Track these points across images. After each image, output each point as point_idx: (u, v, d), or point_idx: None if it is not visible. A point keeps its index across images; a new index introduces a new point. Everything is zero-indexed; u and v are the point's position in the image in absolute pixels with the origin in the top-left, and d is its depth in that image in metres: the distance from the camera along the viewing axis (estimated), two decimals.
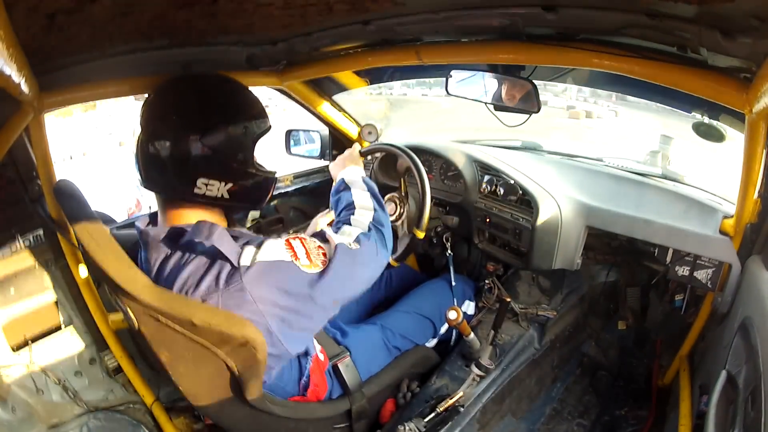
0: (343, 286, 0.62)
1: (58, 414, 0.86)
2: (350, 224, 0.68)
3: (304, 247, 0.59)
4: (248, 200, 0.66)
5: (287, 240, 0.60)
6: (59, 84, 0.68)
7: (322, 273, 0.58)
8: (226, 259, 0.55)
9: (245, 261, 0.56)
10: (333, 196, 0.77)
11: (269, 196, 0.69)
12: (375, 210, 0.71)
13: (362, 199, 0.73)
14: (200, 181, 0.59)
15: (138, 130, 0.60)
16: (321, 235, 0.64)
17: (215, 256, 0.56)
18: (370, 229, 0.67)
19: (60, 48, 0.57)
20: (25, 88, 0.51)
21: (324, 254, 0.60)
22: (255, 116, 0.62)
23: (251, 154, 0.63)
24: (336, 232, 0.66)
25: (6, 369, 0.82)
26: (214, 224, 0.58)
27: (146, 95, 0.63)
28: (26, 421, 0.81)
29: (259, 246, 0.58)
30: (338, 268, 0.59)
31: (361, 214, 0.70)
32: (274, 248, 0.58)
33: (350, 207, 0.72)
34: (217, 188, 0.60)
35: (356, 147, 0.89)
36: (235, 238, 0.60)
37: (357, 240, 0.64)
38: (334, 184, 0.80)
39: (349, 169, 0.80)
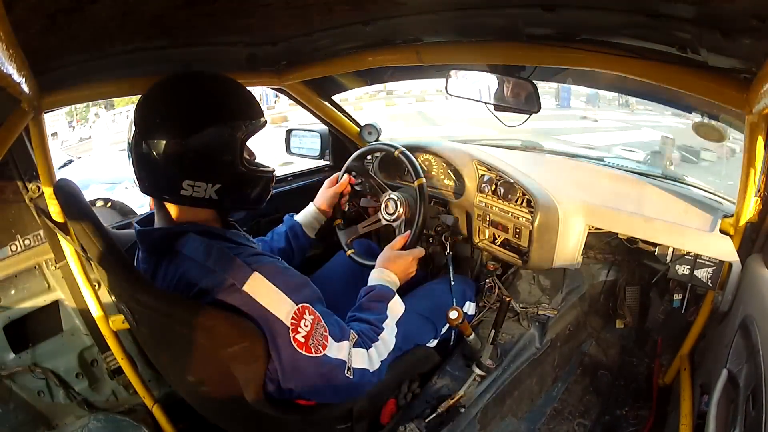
0: (310, 385, 0.61)
1: (60, 416, 0.86)
2: (368, 351, 0.66)
3: (312, 327, 0.59)
4: (241, 200, 0.65)
5: (303, 308, 0.58)
6: (59, 84, 0.68)
7: (304, 358, 0.58)
8: (225, 279, 0.56)
9: (252, 291, 0.56)
10: (374, 294, 0.75)
11: (267, 195, 0.67)
12: (388, 355, 0.70)
13: (390, 331, 0.72)
14: (186, 183, 0.58)
15: (131, 129, 0.60)
16: (339, 331, 0.63)
17: (214, 273, 0.56)
18: (374, 373, 0.66)
19: (60, 48, 0.57)
20: (25, 87, 0.51)
21: (324, 346, 0.60)
22: (243, 115, 0.61)
23: (239, 153, 0.61)
24: (354, 345, 0.65)
25: (7, 371, 0.82)
26: (210, 240, 0.58)
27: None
28: (27, 422, 0.81)
29: (272, 281, 0.57)
30: (320, 372, 0.60)
31: (382, 346, 0.69)
32: (283, 307, 0.57)
33: (379, 327, 0.70)
34: (204, 189, 0.59)
35: (415, 252, 0.85)
36: (236, 245, 0.60)
37: (358, 372, 0.63)
38: (379, 276, 0.79)
39: (396, 282, 0.80)
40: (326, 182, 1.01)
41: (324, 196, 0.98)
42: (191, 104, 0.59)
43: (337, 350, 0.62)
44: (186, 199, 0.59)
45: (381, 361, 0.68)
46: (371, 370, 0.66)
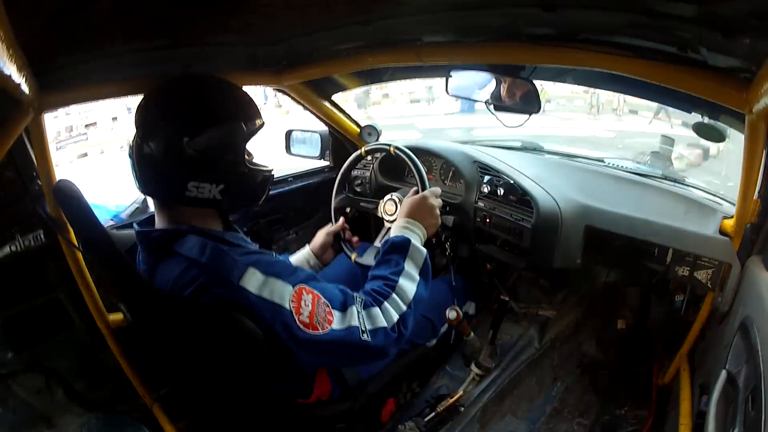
0: (327, 359, 0.61)
1: (59, 414, 0.86)
2: (381, 307, 0.63)
3: (313, 305, 0.58)
4: (242, 200, 0.65)
5: (300, 288, 0.58)
6: (59, 84, 0.68)
7: (313, 337, 0.57)
8: (221, 275, 0.55)
9: (248, 285, 0.56)
10: (390, 247, 0.70)
11: (266, 193, 0.68)
12: (409, 308, 0.65)
13: (408, 284, 0.67)
14: (191, 184, 0.59)
15: (132, 134, 0.60)
16: (342, 300, 0.61)
17: (209, 270, 0.56)
18: (393, 329, 0.63)
19: (60, 48, 0.57)
20: (25, 88, 0.51)
21: (330, 321, 0.59)
22: (244, 116, 0.62)
23: (242, 153, 0.62)
24: (362, 307, 0.62)
25: (7, 370, 0.82)
26: (206, 239, 0.58)
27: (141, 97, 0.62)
28: (27, 421, 0.81)
29: (266, 273, 0.57)
30: (332, 344, 0.59)
31: (397, 303, 0.65)
32: (281, 292, 0.57)
33: (392, 281, 0.66)
34: (209, 190, 0.60)
35: (433, 191, 0.80)
36: (233, 245, 0.60)
37: (374, 332, 0.61)
38: (398, 227, 0.73)
39: (420, 233, 0.73)
40: (325, 231, 0.94)
41: (318, 239, 0.93)
42: (195, 105, 0.60)
43: (343, 319, 0.60)
44: (190, 200, 0.60)
45: (399, 315, 0.64)
46: (389, 327, 0.62)
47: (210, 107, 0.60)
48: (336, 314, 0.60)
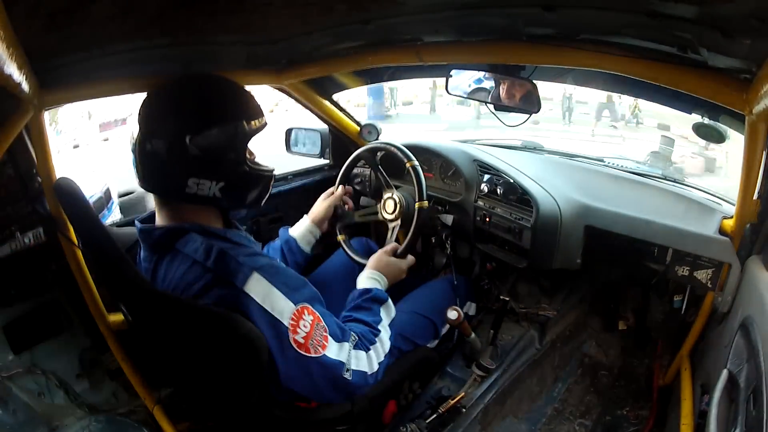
0: (308, 382, 0.61)
1: (60, 417, 0.85)
2: (367, 351, 0.67)
3: (311, 328, 0.59)
4: (242, 199, 0.65)
5: (302, 308, 0.59)
6: (59, 82, 0.67)
7: (302, 357, 0.58)
8: (225, 279, 0.56)
9: (252, 292, 0.56)
10: (370, 296, 0.74)
11: (267, 194, 0.68)
12: (386, 356, 0.70)
13: (385, 333, 0.72)
14: (191, 181, 0.59)
15: (135, 128, 0.60)
16: (339, 332, 0.63)
17: (214, 273, 0.57)
18: (372, 375, 0.66)
19: (60, 47, 0.57)
20: (25, 86, 0.51)
21: (324, 347, 0.60)
22: (247, 115, 0.62)
23: (243, 153, 0.62)
24: (354, 347, 0.64)
25: (7, 372, 0.81)
26: (210, 240, 0.58)
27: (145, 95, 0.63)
28: (27, 424, 0.80)
29: (271, 281, 0.57)
30: (318, 370, 0.60)
31: (380, 348, 0.69)
32: (282, 307, 0.58)
33: (376, 329, 0.70)
34: (209, 187, 0.60)
35: (408, 261, 0.85)
36: (236, 245, 0.60)
37: (356, 372, 0.63)
38: (373, 278, 0.78)
39: (385, 285, 0.79)
40: (322, 196, 0.98)
41: (318, 209, 0.95)
42: (199, 103, 0.60)
43: (337, 351, 0.62)
44: (190, 197, 0.60)
45: (379, 364, 0.68)
46: (369, 373, 0.66)
47: (214, 106, 0.61)
48: (331, 342, 0.61)
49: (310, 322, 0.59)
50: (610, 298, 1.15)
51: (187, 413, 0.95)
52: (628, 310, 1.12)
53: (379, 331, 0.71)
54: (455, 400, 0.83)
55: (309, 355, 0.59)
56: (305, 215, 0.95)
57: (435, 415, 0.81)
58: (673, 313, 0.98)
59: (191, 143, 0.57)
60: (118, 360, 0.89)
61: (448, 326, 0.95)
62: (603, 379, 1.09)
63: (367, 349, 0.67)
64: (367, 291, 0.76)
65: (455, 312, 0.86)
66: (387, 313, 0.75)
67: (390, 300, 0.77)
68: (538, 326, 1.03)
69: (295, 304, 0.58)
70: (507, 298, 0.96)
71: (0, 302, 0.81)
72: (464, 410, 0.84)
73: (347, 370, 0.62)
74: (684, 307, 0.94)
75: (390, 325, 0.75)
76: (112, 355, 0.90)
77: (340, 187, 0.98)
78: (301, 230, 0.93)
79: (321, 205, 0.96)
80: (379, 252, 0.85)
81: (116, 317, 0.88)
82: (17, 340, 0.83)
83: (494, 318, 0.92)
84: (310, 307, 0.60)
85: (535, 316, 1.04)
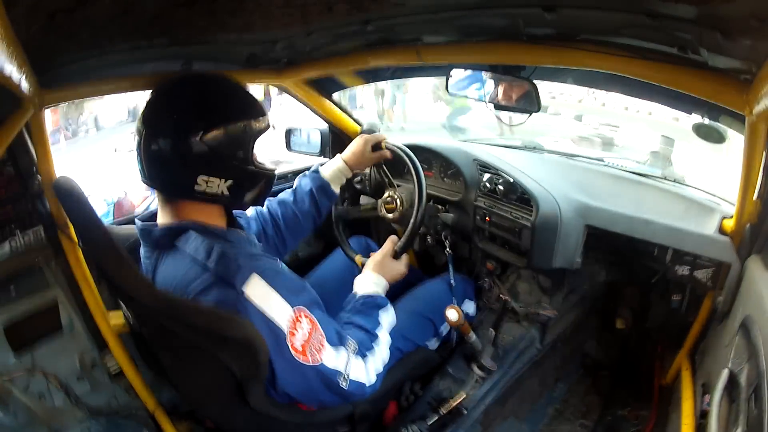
0: (301, 392, 0.61)
1: (60, 419, 0.85)
2: (365, 359, 0.66)
3: (309, 334, 0.59)
4: (248, 197, 0.66)
5: (299, 312, 0.58)
6: (59, 81, 0.67)
7: (300, 364, 0.58)
8: (225, 279, 0.56)
9: (251, 294, 0.56)
10: (368, 302, 0.73)
11: (269, 193, 0.69)
12: (383, 367, 0.69)
13: (385, 340, 0.71)
14: (201, 178, 0.59)
15: (139, 126, 0.60)
16: (337, 338, 0.63)
17: (214, 274, 0.56)
18: (370, 385, 0.65)
19: (60, 46, 0.57)
20: (25, 85, 0.51)
21: (320, 354, 0.59)
22: (255, 115, 0.63)
23: (251, 151, 0.63)
24: (353, 354, 0.64)
25: (7, 373, 0.81)
26: (211, 239, 0.58)
27: (149, 93, 0.62)
28: (28, 426, 0.80)
29: (270, 284, 0.57)
30: (313, 377, 0.60)
31: (378, 355, 0.68)
32: (280, 310, 0.57)
33: (375, 335, 0.70)
34: (217, 185, 0.60)
35: (406, 261, 0.84)
36: (236, 245, 0.60)
37: (353, 382, 0.63)
38: (372, 281, 0.77)
39: (385, 289, 0.78)
40: (364, 140, 0.88)
41: (358, 156, 0.88)
42: (209, 101, 0.60)
43: (335, 358, 0.62)
44: (199, 195, 0.60)
45: (377, 374, 0.67)
46: (367, 385, 0.65)
47: (223, 104, 0.61)
48: (329, 349, 0.61)
49: (308, 328, 0.59)
50: (610, 298, 1.15)
51: (188, 416, 0.94)
52: (628, 310, 1.11)
53: (377, 337, 0.70)
54: (456, 401, 0.83)
55: (306, 362, 0.58)
56: (338, 155, 0.90)
57: (436, 417, 0.81)
58: (673, 313, 0.98)
59: (201, 141, 0.58)
60: (118, 362, 0.89)
61: (447, 326, 0.95)
62: (604, 379, 1.09)
63: (364, 357, 0.66)
64: (366, 296, 0.75)
65: (456, 312, 0.85)
66: (387, 319, 0.74)
67: (390, 305, 0.76)
68: (539, 326, 1.03)
69: (293, 308, 0.58)
70: (507, 298, 0.96)
71: (0, 302, 0.80)
72: (465, 411, 0.84)
73: (344, 378, 0.62)
74: (684, 306, 0.94)
75: (390, 332, 0.74)
76: (113, 357, 0.89)
77: (387, 150, 0.91)
78: (334, 171, 0.89)
79: (362, 154, 0.89)
80: (378, 254, 0.84)
81: (117, 317, 0.88)
82: (18, 341, 0.83)
83: (495, 318, 0.92)
84: (308, 311, 0.60)
85: (535, 316, 1.04)
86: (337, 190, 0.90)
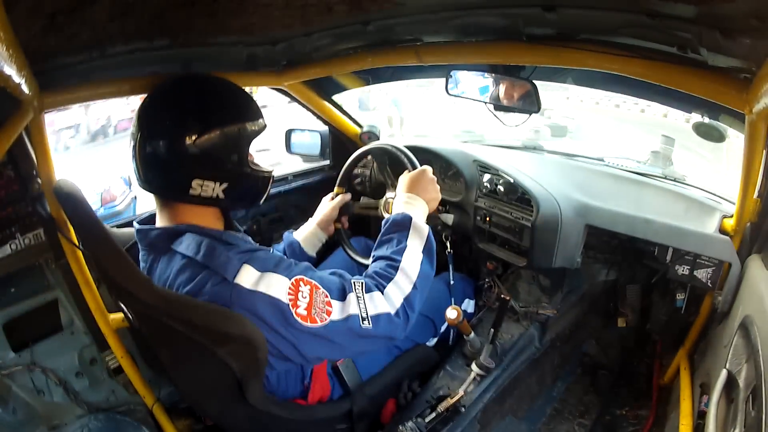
0: (331, 351, 0.60)
1: (59, 415, 0.86)
2: (383, 292, 0.61)
3: (310, 297, 0.57)
4: (244, 199, 0.66)
5: (297, 280, 0.57)
6: (59, 83, 0.68)
7: (312, 330, 0.57)
8: (216, 273, 0.56)
9: (243, 281, 0.55)
10: (390, 225, 0.68)
11: (265, 195, 0.69)
12: (415, 288, 0.63)
13: (412, 263, 0.64)
14: (195, 182, 0.59)
15: (134, 130, 0.60)
16: (341, 289, 0.60)
17: (205, 268, 0.57)
18: (398, 314, 0.61)
19: (60, 48, 0.57)
20: (25, 87, 0.51)
21: (329, 312, 0.57)
22: (250, 117, 0.62)
23: (246, 154, 0.63)
24: (364, 291, 0.60)
25: (7, 370, 0.82)
26: (203, 237, 0.58)
27: (144, 96, 0.63)
28: (27, 422, 0.80)
29: (261, 269, 0.56)
30: (333, 336, 0.58)
31: (400, 284, 0.63)
32: (278, 285, 0.56)
33: (395, 261, 0.64)
34: (212, 189, 0.60)
35: (430, 173, 0.75)
36: (229, 245, 0.60)
37: (376, 319, 0.59)
38: (398, 206, 0.71)
39: (421, 209, 0.71)
40: (325, 199, 0.94)
41: (324, 212, 0.91)
42: (203, 104, 0.60)
43: (343, 308, 0.59)
44: (194, 198, 0.60)
45: (404, 298, 0.62)
46: (392, 312, 0.60)
47: (218, 107, 0.61)
48: (335, 304, 0.59)
49: (308, 291, 0.57)
50: (610, 297, 1.16)
51: (187, 412, 0.95)
52: (628, 309, 1.12)
53: (399, 260, 0.64)
54: (455, 399, 0.83)
55: (317, 325, 0.56)
56: (311, 219, 0.93)
57: (434, 415, 0.81)
58: (673, 313, 0.98)
59: (195, 144, 0.57)
60: (117, 358, 0.90)
61: (446, 324, 0.95)
62: (602, 378, 1.09)
63: (382, 287, 0.61)
64: (386, 221, 0.69)
65: (455, 311, 0.86)
66: (415, 237, 0.66)
67: (417, 221, 0.68)
68: (538, 325, 1.03)
69: (289, 279, 0.57)
70: (507, 297, 0.96)
71: (0, 301, 0.81)
72: (464, 409, 0.84)
73: (363, 320, 0.58)
74: (684, 306, 0.94)
75: (425, 249, 0.66)
76: (112, 354, 0.90)
77: (345, 194, 0.93)
78: (305, 234, 0.91)
79: (327, 207, 0.92)
80: (401, 177, 0.77)
81: (116, 316, 0.88)
82: (17, 338, 0.83)
83: (495, 317, 0.92)
84: (306, 277, 0.58)
85: (535, 315, 1.04)
86: (311, 251, 0.89)
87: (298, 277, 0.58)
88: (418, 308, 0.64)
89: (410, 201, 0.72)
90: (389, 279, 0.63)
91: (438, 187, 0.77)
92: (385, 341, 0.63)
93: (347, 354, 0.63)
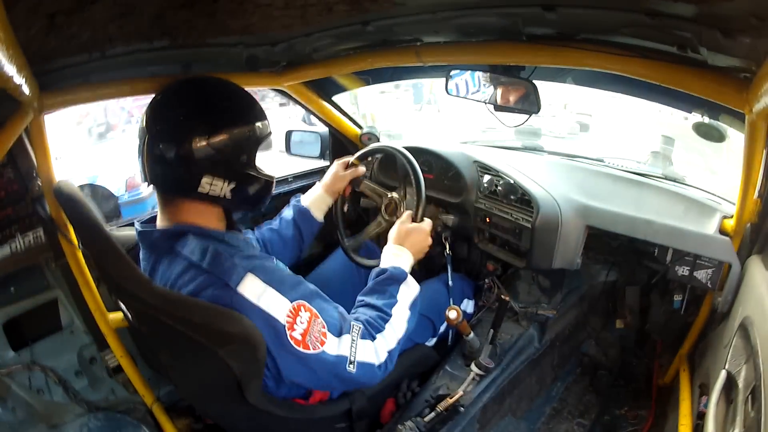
0: (307, 379, 0.62)
1: (59, 414, 0.86)
2: (374, 342, 0.64)
3: (308, 324, 0.59)
4: (248, 201, 0.66)
5: (298, 305, 0.59)
6: (59, 84, 0.68)
7: (301, 355, 0.58)
8: (219, 279, 0.56)
9: (246, 292, 0.56)
10: (386, 276, 0.71)
11: (268, 198, 0.69)
12: (398, 343, 0.67)
13: (400, 319, 0.68)
14: (205, 180, 0.60)
15: (143, 128, 0.60)
16: (339, 327, 0.62)
17: (209, 274, 0.57)
18: (380, 366, 0.64)
19: (60, 48, 0.57)
20: (25, 88, 0.51)
21: (323, 343, 0.59)
22: (259, 120, 0.64)
23: (254, 156, 0.64)
24: (360, 336, 0.63)
25: (6, 369, 0.82)
26: (208, 241, 0.59)
27: (152, 96, 0.63)
28: (27, 421, 0.81)
29: (266, 281, 0.57)
30: (317, 367, 0.60)
31: (388, 339, 0.66)
32: (278, 305, 0.58)
33: (386, 315, 0.67)
34: (221, 188, 0.61)
35: (428, 225, 0.80)
36: (232, 247, 0.61)
37: (361, 365, 0.62)
38: (390, 254, 0.74)
39: (408, 262, 0.75)
40: (337, 164, 0.92)
41: (333, 179, 0.91)
42: (216, 105, 0.61)
43: (337, 345, 0.61)
44: (201, 195, 0.61)
45: (388, 352, 0.65)
46: (377, 364, 0.64)
47: (230, 107, 0.62)
48: (330, 338, 0.61)
49: (307, 318, 0.59)
50: (610, 298, 1.15)
51: (186, 411, 0.95)
52: (628, 309, 1.12)
53: (390, 315, 0.67)
54: (454, 398, 0.83)
55: (308, 352, 0.59)
56: (317, 183, 0.92)
57: (434, 414, 0.81)
58: (672, 313, 0.98)
59: (208, 143, 0.59)
60: (117, 358, 0.90)
61: (446, 325, 0.95)
62: (602, 378, 1.09)
63: (373, 338, 0.64)
64: (382, 271, 0.72)
65: (455, 311, 0.86)
66: (406, 293, 0.71)
67: (410, 277, 0.72)
68: (538, 325, 1.03)
69: (291, 302, 0.59)
70: (507, 298, 0.96)
71: (0, 301, 0.81)
72: (463, 409, 0.84)
73: (350, 363, 0.61)
74: (684, 307, 0.94)
75: (411, 307, 0.71)
76: (111, 353, 0.90)
77: (360, 168, 0.93)
78: (313, 199, 0.91)
79: (336, 175, 0.91)
80: (396, 224, 0.80)
81: (115, 316, 0.88)
82: (17, 338, 0.83)
83: (494, 317, 0.92)
84: (307, 303, 0.60)
85: (534, 316, 1.04)
86: (319, 216, 0.91)
87: (300, 302, 0.60)
88: (395, 362, 0.67)
89: (399, 254, 0.76)
90: (380, 330, 0.66)
91: (430, 241, 0.81)
92: (356, 386, 0.66)
93: (318, 386, 0.65)
